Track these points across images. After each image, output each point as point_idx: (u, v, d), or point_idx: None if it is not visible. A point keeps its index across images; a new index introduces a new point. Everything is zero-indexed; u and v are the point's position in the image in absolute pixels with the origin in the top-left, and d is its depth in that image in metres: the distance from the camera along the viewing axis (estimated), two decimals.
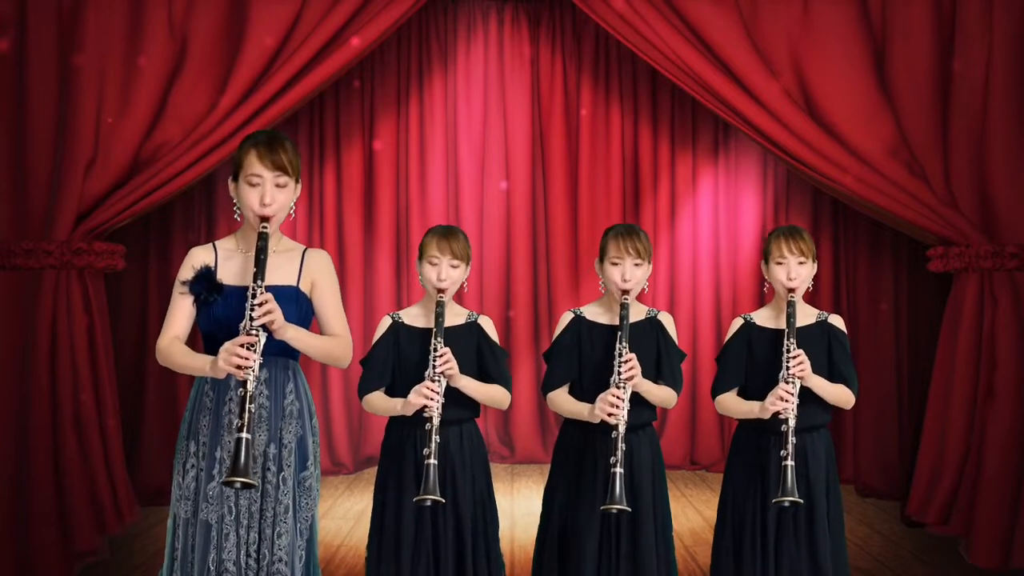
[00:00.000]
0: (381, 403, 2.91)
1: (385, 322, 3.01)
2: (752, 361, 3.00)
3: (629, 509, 2.73)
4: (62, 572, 4.24)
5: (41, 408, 4.31)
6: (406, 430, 2.91)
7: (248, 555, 2.53)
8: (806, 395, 2.90)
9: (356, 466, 6.43)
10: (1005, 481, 4.49)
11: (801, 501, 2.79)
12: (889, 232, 5.65)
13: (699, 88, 4.93)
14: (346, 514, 5.28)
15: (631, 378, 2.80)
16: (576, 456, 2.96)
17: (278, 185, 2.55)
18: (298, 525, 2.59)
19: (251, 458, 2.39)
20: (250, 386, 2.39)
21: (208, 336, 2.61)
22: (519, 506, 5.38)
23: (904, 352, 5.82)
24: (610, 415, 2.75)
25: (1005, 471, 4.50)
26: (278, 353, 2.60)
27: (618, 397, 2.76)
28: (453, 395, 2.88)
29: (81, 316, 4.45)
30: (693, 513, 5.26)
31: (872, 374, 5.81)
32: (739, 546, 2.97)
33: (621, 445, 2.72)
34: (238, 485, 2.37)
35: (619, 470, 2.70)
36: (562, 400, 2.96)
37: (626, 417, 2.76)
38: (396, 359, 2.93)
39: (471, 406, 2.98)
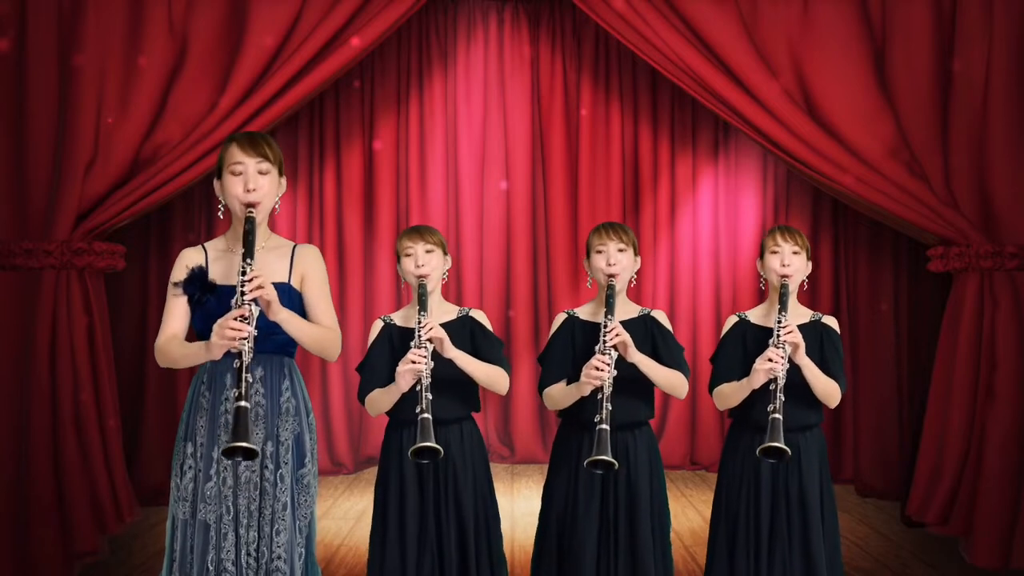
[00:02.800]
0: (380, 396, 2.92)
1: (377, 326, 3.03)
2: (747, 359, 3.00)
3: (615, 463, 2.71)
4: (62, 572, 4.24)
5: (41, 408, 4.31)
6: (405, 430, 2.91)
7: (248, 554, 2.54)
8: (797, 396, 2.91)
9: (356, 466, 6.43)
10: (1005, 481, 4.49)
11: (788, 451, 2.73)
12: (889, 232, 5.65)
13: (699, 88, 4.93)
14: (346, 514, 5.28)
15: (616, 345, 2.82)
16: (573, 456, 2.96)
17: (260, 172, 2.59)
18: (297, 523, 2.60)
19: (251, 425, 2.39)
20: (245, 357, 2.40)
21: (202, 335, 2.62)
22: (519, 506, 5.38)
23: (904, 352, 5.82)
24: (595, 378, 2.78)
25: (1005, 471, 4.50)
26: (274, 351, 2.62)
27: (602, 360, 2.79)
28: (452, 392, 2.89)
29: (81, 316, 4.45)
30: (693, 513, 5.26)
31: (872, 374, 5.82)
32: (733, 546, 2.98)
33: (607, 405, 2.75)
34: (239, 458, 2.37)
35: (604, 426, 2.73)
36: (556, 391, 2.99)
37: (611, 382, 2.78)
38: (391, 361, 2.93)
39: (470, 402, 2.98)
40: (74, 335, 4.41)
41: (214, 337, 2.42)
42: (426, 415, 2.70)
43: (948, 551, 4.61)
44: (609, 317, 2.87)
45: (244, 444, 2.32)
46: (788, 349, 2.84)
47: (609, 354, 2.82)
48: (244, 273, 2.45)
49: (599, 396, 2.78)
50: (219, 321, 2.43)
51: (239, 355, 2.41)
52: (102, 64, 4.60)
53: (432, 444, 2.67)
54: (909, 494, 4.89)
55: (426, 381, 2.75)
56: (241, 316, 2.41)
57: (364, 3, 4.82)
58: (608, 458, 2.69)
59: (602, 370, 2.79)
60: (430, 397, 2.74)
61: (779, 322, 2.87)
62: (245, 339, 2.40)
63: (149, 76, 4.69)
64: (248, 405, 2.38)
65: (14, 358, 4.37)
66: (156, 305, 5.69)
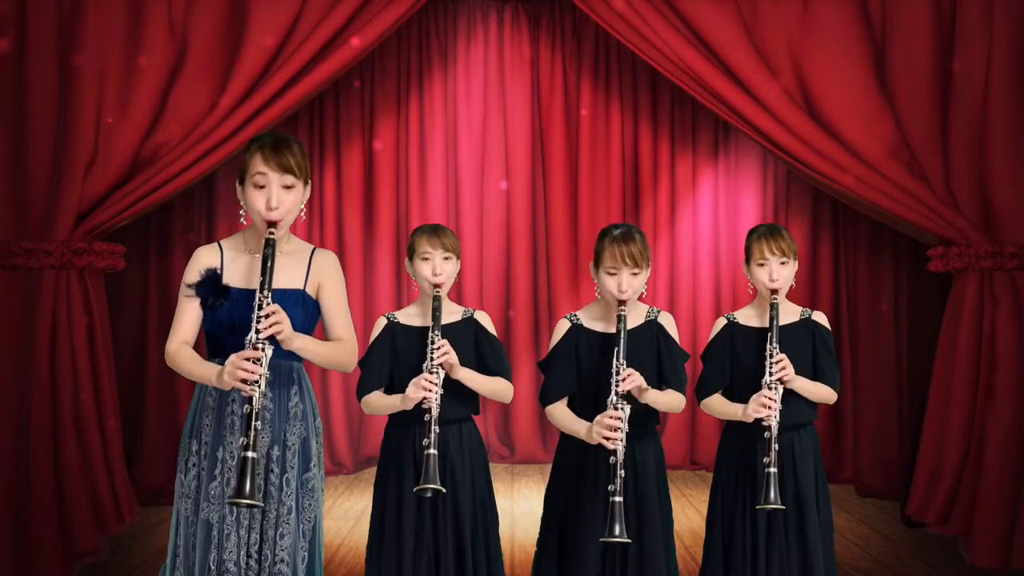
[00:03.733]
0: (380, 402, 2.92)
1: (381, 322, 3.02)
2: (736, 361, 3.00)
3: (629, 541, 2.67)
4: (62, 572, 4.24)
5: (41, 408, 4.31)
6: (405, 430, 2.91)
7: (249, 555, 2.52)
8: (791, 392, 2.93)
9: (356, 466, 6.43)
10: (1005, 481, 4.49)
11: (784, 508, 2.83)
12: (889, 232, 5.65)
13: (699, 88, 4.93)
14: (346, 514, 5.28)
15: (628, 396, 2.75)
16: (576, 466, 2.91)
17: (285, 187, 2.52)
18: (301, 526, 2.58)
19: (256, 478, 2.36)
20: (255, 403, 2.36)
21: (212, 336, 2.60)
22: (519, 506, 5.37)
23: (904, 352, 5.83)
24: (607, 439, 2.68)
25: (1005, 471, 4.50)
26: (282, 355, 2.57)
27: (616, 419, 2.68)
28: (452, 393, 2.88)
29: (81, 316, 4.45)
30: (693, 513, 5.25)
31: (872, 374, 5.82)
32: (728, 546, 2.98)
33: (620, 472, 2.65)
34: (244, 505, 2.37)
35: (618, 499, 2.63)
36: (561, 415, 2.90)
37: (624, 442, 2.68)
38: (393, 359, 2.94)
39: (470, 404, 2.98)
40: (74, 335, 4.41)
41: (226, 375, 2.39)
42: (432, 451, 2.69)
43: (948, 551, 4.61)
44: (621, 362, 2.74)
45: (248, 502, 2.31)
46: (780, 390, 2.85)
47: (623, 409, 2.69)
48: (260, 307, 2.41)
49: (611, 460, 2.67)
50: (232, 359, 2.38)
51: (249, 400, 2.37)
52: (102, 64, 4.60)
53: (437, 487, 2.69)
54: (909, 494, 4.90)
55: (435, 413, 2.74)
56: (254, 359, 2.36)
57: (364, 3, 4.82)
58: (623, 540, 2.63)
59: (617, 429, 2.67)
60: (438, 431, 2.73)
61: (770, 355, 2.88)
62: (257, 383, 2.36)
63: (149, 76, 4.69)
64: (256, 456, 2.34)
65: (14, 358, 4.37)
66: (156, 305, 5.70)
